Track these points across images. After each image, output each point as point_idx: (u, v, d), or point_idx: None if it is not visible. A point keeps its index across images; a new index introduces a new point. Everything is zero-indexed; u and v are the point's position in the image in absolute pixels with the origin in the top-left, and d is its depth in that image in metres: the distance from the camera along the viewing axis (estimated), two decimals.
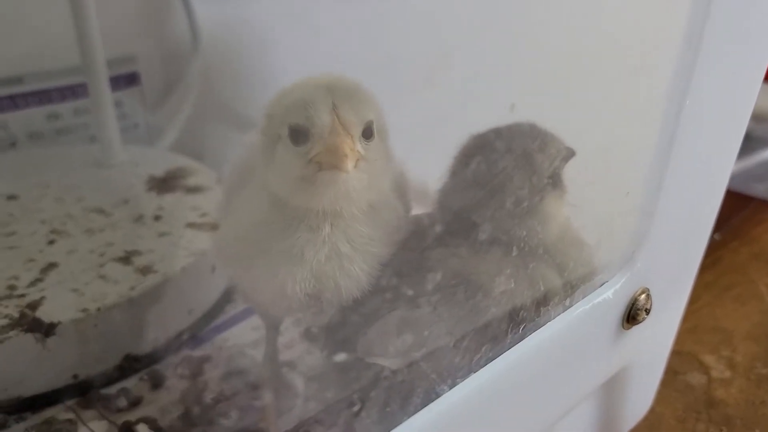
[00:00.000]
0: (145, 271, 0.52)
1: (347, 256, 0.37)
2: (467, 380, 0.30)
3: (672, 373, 0.54)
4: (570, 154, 0.38)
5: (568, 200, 0.35)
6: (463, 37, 0.47)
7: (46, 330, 0.46)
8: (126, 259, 0.53)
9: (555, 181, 0.37)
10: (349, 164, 0.33)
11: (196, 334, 0.54)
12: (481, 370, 0.30)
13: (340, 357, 0.37)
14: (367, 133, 0.35)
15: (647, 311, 0.38)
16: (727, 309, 0.63)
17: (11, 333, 0.46)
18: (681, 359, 0.56)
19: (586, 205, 0.36)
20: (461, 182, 0.37)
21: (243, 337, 0.53)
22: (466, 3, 0.49)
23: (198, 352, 0.52)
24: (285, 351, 0.51)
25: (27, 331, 0.46)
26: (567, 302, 0.33)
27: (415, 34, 0.53)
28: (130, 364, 0.50)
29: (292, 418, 0.46)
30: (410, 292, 0.36)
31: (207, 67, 0.75)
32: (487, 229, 0.35)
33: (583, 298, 0.34)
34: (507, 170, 0.34)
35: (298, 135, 0.34)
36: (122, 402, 0.47)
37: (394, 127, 0.38)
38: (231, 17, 0.74)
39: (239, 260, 0.39)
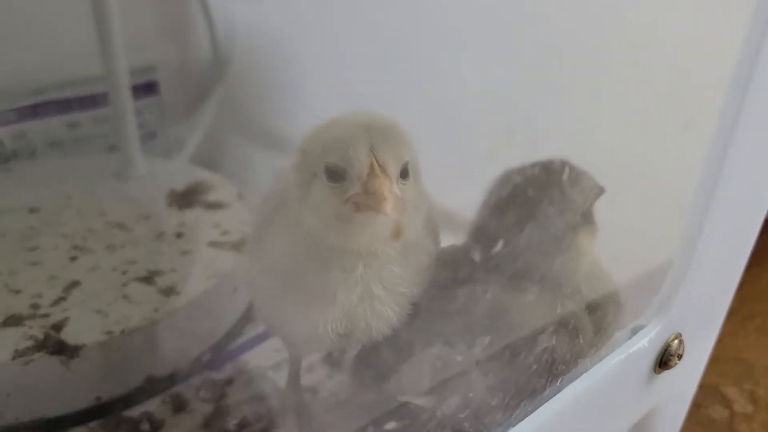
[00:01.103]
0: (168, 292, 0.51)
1: (379, 297, 0.37)
2: None
3: (695, 406, 0.54)
4: (600, 191, 0.38)
5: (610, 253, 0.35)
6: (528, 113, 0.47)
7: (71, 352, 0.46)
8: (149, 278, 0.53)
9: (587, 217, 0.37)
10: (389, 207, 0.33)
11: (217, 354, 0.53)
12: (519, 423, 0.30)
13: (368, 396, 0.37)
14: (404, 173, 0.35)
15: (680, 357, 0.38)
16: (749, 339, 0.62)
17: (36, 355, 0.46)
18: (703, 392, 0.56)
19: (625, 254, 0.36)
20: (495, 216, 0.37)
21: (265, 359, 0.53)
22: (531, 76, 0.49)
23: (220, 375, 0.52)
24: (306, 374, 0.51)
25: (52, 353, 0.46)
26: (602, 352, 0.33)
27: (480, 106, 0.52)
28: (152, 386, 0.50)
29: None
30: (441, 330, 0.36)
31: (227, 79, 0.75)
32: (520, 264, 0.34)
33: (618, 348, 0.34)
34: (542, 205, 0.34)
35: (335, 174, 0.34)
36: (145, 426, 0.47)
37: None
38: (253, 29, 0.74)
39: (270, 296, 0.39)
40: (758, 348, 0.61)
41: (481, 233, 0.39)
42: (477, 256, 0.36)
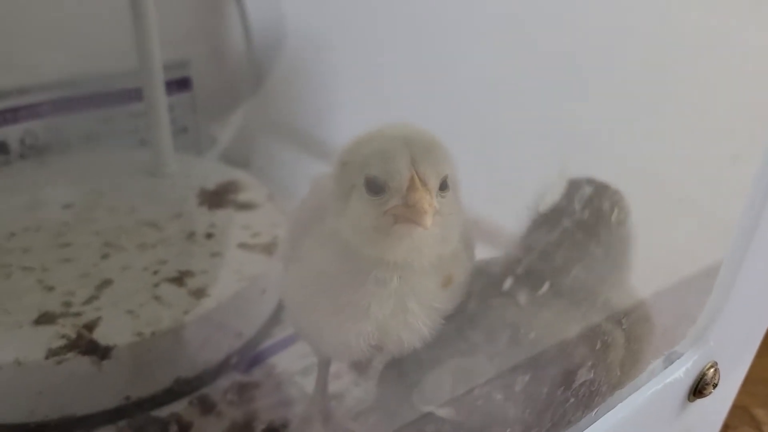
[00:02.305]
0: (199, 294, 0.52)
1: (412, 311, 0.37)
2: None
3: (724, 427, 0.53)
4: (629, 212, 0.37)
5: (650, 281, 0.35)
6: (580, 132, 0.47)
7: (103, 353, 0.47)
8: (179, 279, 0.53)
9: (622, 250, 0.37)
10: (428, 220, 0.33)
11: (245, 357, 0.54)
12: None
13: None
14: (443, 187, 0.35)
15: (715, 386, 0.37)
16: None
17: (68, 355, 0.46)
18: (732, 413, 0.55)
19: (666, 281, 0.35)
20: (543, 259, 0.36)
21: (292, 363, 0.53)
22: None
23: (247, 378, 0.52)
24: (333, 381, 0.51)
25: (84, 353, 0.46)
26: (638, 382, 0.33)
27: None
28: (181, 387, 0.50)
29: None
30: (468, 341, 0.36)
31: (261, 77, 0.75)
32: (557, 281, 0.34)
33: (653, 378, 0.34)
34: (589, 248, 0.34)
35: (375, 186, 0.34)
36: (174, 427, 0.48)
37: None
38: (289, 28, 0.73)
39: (304, 305, 0.39)
40: None
41: (525, 274, 0.38)
42: (523, 298, 0.36)
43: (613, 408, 0.32)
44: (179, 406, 0.50)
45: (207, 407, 0.49)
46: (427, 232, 0.34)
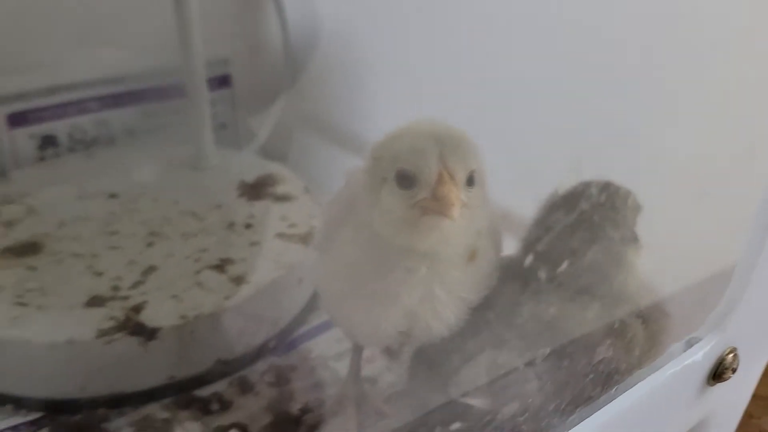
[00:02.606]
0: (239, 281, 0.54)
1: (440, 299, 0.38)
2: None
3: (747, 416, 0.54)
4: (640, 209, 0.39)
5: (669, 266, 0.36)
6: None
7: (149, 334, 0.50)
8: (220, 267, 0.56)
9: (634, 235, 0.38)
10: (455, 212, 0.34)
11: (282, 342, 0.56)
12: (574, 428, 0.31)
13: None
14: (470, 181, 0.37)
15: (734, 370, 0.38)
16: None
17: (117, 335, 0.49)
18: (756, 403, 0.56)
19: (684, 267, 0.37)
20: (561, 239, 0.38)
21: (327, 348, 0.56)
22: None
23: (284, 361, 0.54)
24: (366, 365, 0.53)
25: (131, 334, 0.49)
26: (657, 363, 0.34)
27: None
28: (222, 368, 0.53)
29: None
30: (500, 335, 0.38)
31: (298, 74, 0.77)
32: (582, 282, 0.36)
33: (672, 360, 0.35)
34: (605, 229, 0.35)
35: (405, 180, 0.36)
36: (215, 406, 0.50)
37: None
38: (324, 25, 0.76)
39: (337, 293, 0.42)
40: None
41: (545, 253, 0.40)
42: (543, 274, 0.37)
43: (632, 387, 0.34)
44: (220, 386, 0.52)
45: (246, 388, 0.52)
46: (454, 224, 0.36)
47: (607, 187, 0.38)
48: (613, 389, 0.33)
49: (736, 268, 0.36)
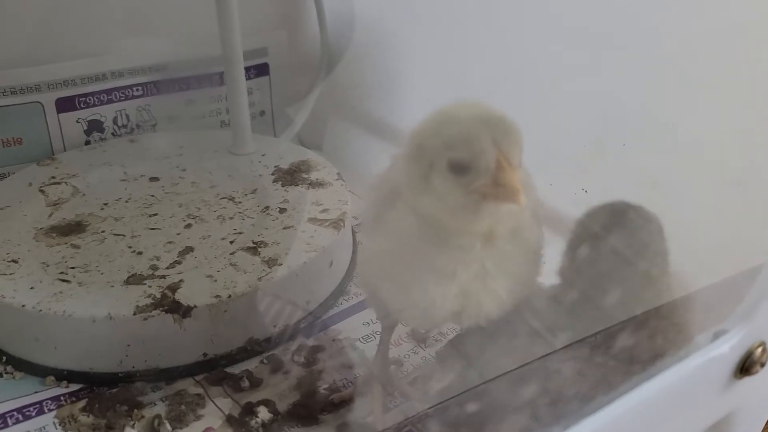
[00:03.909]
0: (271, 263, 0.56)
1: (492, 275, 0.39)
2: (579, 425, 0.31)
3: None
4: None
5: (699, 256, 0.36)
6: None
7: (184, 312, 0.51)
8: (254, 249, 0.57)
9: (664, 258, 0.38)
10: (522, 198, 0.35)
11: (313, 323, 0.57)
12: (595, 414, 0.31)
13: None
14: (519, 163, 0.37)
15: (762, 365, 0.38)
16: None
17: (154, 312, 0.51)
18: None
19: (715, 258, 0.36)
20: (598, 252, 0.38)
21: (355, 331, 0.57)
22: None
23: (313, 342, 0.56)
24: (393, 348, 0.54)
25: (167, 311, 0.51)
26: (682, 353, 0.34)
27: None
28: (253, 347, 0.55)
29: (397, 415, 0.49)
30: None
31: (332, 62, 0.78)
32: (615, 297, 0.36)
33: (698, 351, 0.35)
34: (650, 238, 0.35)
35: (460, 168, 0.36)
36: (245, 383, 0.52)
37: None
38: (362, 15, 0.77)
39: (388, 274, 0.42)
40: None
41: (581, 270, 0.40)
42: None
43: (655, 376, 0.34)
44: (251, 365, 0.54)
45: (276, 366, 0.53)
46: (508, 207, 0.36)
47: (647, 211, 0.38)
48: (635, 378, 0.33)
49: (765, 260, 0.35)
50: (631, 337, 0.34)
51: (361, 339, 0.56)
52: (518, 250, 0.39)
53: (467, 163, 0.36)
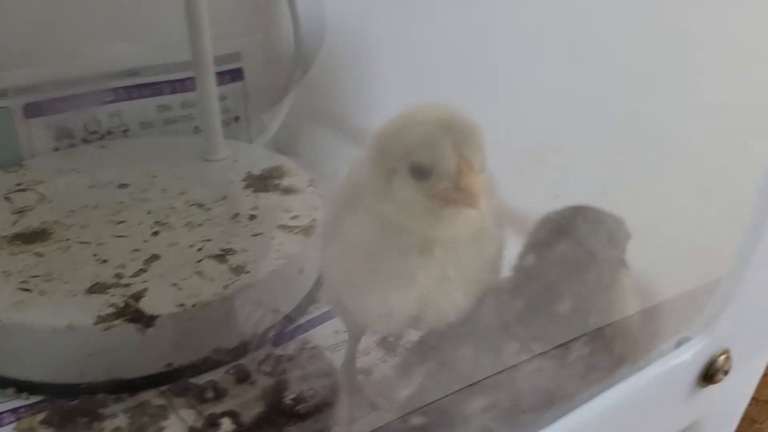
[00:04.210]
0: (239, 270, 0.55)
1: (452, 280, 0.38)
2: None
3: (749, 421, 0.53)
4: (629, 236, 0.38)
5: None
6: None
7: (147, 321, 0.50)
8: (222, 257, 0.56)
9: (623, 261, 0.38)
10: (483, 203, 0.34)
11: (281, 332, 0.57)
12: (551, 426, 0.31)
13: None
14: (482, 167, 0.36)
15: (725, 373, 0.37)
16: None
17: (116, 321, 0.50)
18: (759, 408, 0.54)
19: (676, 267, 0.36)
20: (545, 261, 0.38)
21: (324, 339, 0.56)
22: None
23: (281, 351, 0.55)
24: (361, 357, 0.53)
25: (130, 320, 0.50)
26: (641, 363, 0.34)
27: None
28: (219, 357, 0.54)
29: (364, 425, 0.49)
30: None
31: (309, 68, 0.78)
32: (567, 304, 0.35)
33: (660, 359, 0.34)
34: (598, 246, 0.35)
35: (421, 172, 0.35)
36: (209, 393, 0.51)
37: None
38: (336, 18, 0.76)
39: (347, 279, 0.41)
40: None
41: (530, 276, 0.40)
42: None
43: (615, 385, 0.33)
44: (217, 375, 0.53)
45: (242, 376, 0.52)
46: (472, 210, 0.35)
47: (598, 216, 0.37)
48: (593, 387, 0.32)
49: (728, 269, 0.35)
50: (587, 346, 0.33)
51: (330, 348, 0.55)
52: (479, 255, 0.39)
53: (428, 167, 0.35)
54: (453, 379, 0.37)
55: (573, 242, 0.35)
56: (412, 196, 0.36)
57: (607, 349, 0.33)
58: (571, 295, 0.35)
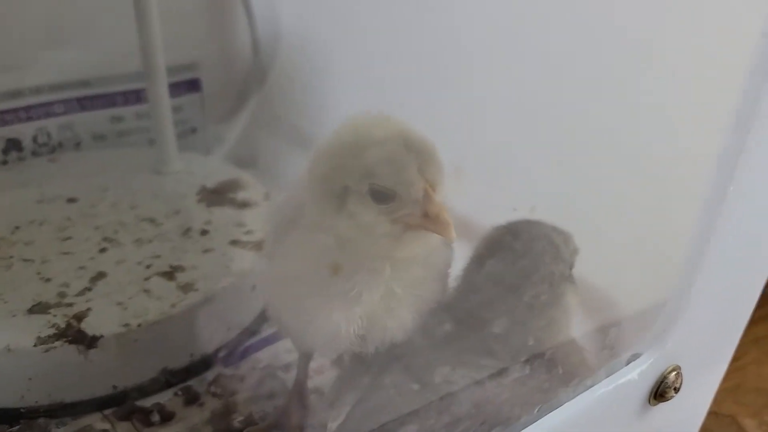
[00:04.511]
0: (187, 288, 0.53)
1: (398, 297, 0.37)
2: None
3: None
4: (577, 251, 0.37)
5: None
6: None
7: (89, 342, 0.48)
8: (170, 274, 0.55)
9: (571, 276, 0.37)
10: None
11: (233, 351, 0.55)
12: None
13: None
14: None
15: (676, 390, 0.37)
16: None
17: (56, 343, 0.48)
18: (719, 421, 0.54)
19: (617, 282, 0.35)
20: (479, 278, 0.37)
21: (277, 359, 0.54)
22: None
23: (232, 371, 0.53)
24: (315, 376, 0.52)
25: (71, 342, 0.48)
26: (588, 382, 0.33)
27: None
28: (167, 378, 0.52)
29: None
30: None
31: (267, 79, 0.77)
32: (503, 324, 0.34)
33: (606, 377, 0.33)
34: (536, 263, 0.34)
35: (383, 196, 0.34)
36: (156, 417, 0.49)
37: None
38: (294, 30, 0.75)
39: (291, 298, 0.40)
40: None
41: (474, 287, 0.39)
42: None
43: (559, 406, 0.32)
44: (164, 397, 0.51)
45: (190, 398, 0.51)
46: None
47: (540, 231, 0.36)
48: (535, 409, 0.31)
49: (674, 286, 0.34)
50: (526, 366, 0.32)
51: (283, 367, 0.54)
52: (427, 273, 0.38)
53: (392, 191, 0.34)
54: (382, 408, 0.36)
55: (508, 259, 0.34)
56: (371, 218, 0.35)
57: (550, 369, 0.33)
58: (507, 314, 0.34)
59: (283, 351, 0.55)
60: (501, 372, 0.32)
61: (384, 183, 0.34)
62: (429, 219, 0.33)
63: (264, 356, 0.55)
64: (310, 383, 0.50)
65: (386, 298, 0.37)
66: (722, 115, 0.30)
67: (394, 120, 0.37)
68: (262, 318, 0.58)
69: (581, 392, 0.33)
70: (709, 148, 0.31)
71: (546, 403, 0.31)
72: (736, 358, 0.45)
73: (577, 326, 0.35)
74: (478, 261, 0.38)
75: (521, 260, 0.35)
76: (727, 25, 0.34)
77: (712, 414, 0.49)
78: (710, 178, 0.31)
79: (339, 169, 0.36)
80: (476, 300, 0.36)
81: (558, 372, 0.33)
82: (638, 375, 0.35)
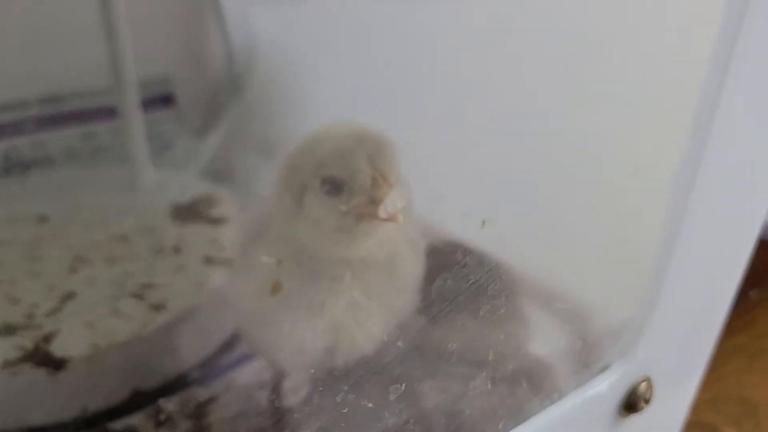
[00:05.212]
0: (158, 307, 0.52)
1: (364, 307, 0.37)
2: None
3: None
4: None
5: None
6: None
7: (57, 365, 0.48)
8: (141, 293, 0.54)
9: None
10: (401, 216, 0.33)
11: (206, 371, 0.54)
12: None
13: None
14: (397, 181, 0.35)
15: (647, 401, 0.36)
16: (756, 378, 0.59)
17: (22, 366, 0.47)
18: (699, 431, 0.53)
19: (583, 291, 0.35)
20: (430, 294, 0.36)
21: (252, 378, 0.54)
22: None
23: (205, 391, 0.52)
24: (289, 395, 0.51)
25: (39, 365, 0.47)
26: (555, 395, 0.32)
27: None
28: (139, 400, 0.51)
29: None
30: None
31: (242, 92, 0.76)
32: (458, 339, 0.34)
33: (574, 390, 0.33)
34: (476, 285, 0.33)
35: (333, 187, 0.34)
36: None
37: None
38: (270, 43, 0.74)
39: (256, 313, 0.40)
40: (764, 387, 0.58)
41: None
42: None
43: (524, 421, 0.31)
44: (136, 419, 0.50)
45: (163, 420, 0.50)
46: (386, 228, 0.34)
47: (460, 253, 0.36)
48: (499, 425, 0.31)
49: (640, 297, 0.34)
50: (487, 380, 0.31)
51: (257, 386, 0.53)
52: (393, 281, 0.38)
53: (341, 181, 0.34)
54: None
55: (461, 273, 0.34)
56: (324, 212, 0.35)
57: (512, 382, 0.32)
58: (461, 329, 0.33)
59: (258, 370, 0.54)
60: (462, 387, 0.31)
61: (333, 173, 0.34)
62: (376, 205, 0.33)
63: (239, 375, 0.54)
64: (285, 402, 0.49)
65: (352, 308, 0.37)
66: (681, 124, 0.30)
67: (355, 122, 0.37)
68: (237, 336, 0.57)
69: (548, 406, 0.32)
70: (670, 157, 0.31)
71: (510, 418, 0.31)
72: (716, 368, 0.44)
73: (543, 339, 0.34)
74: (427, 276, 0.37)
75: (471, 276, 0.35)
76: (687, 28, 0.34)
77: (693, 424, 0.49)
78: (672, 187, 0.31)
79: (296, 168, 0.36)
80: (428, 316, 0.35)
81: (522, 386, 0.32)
82: (607, 387, 0.34)
